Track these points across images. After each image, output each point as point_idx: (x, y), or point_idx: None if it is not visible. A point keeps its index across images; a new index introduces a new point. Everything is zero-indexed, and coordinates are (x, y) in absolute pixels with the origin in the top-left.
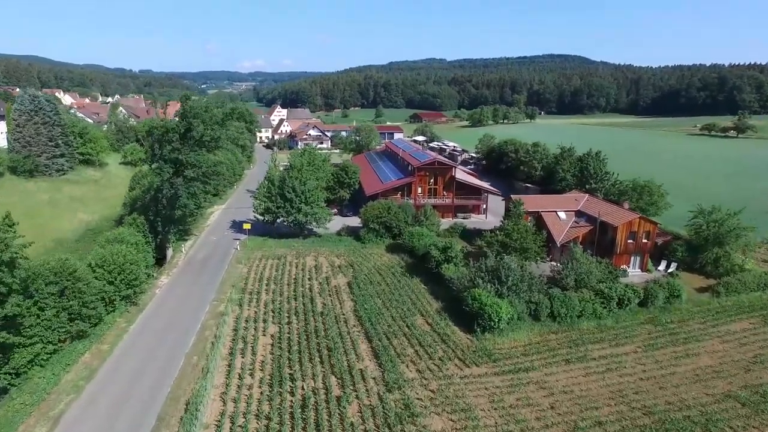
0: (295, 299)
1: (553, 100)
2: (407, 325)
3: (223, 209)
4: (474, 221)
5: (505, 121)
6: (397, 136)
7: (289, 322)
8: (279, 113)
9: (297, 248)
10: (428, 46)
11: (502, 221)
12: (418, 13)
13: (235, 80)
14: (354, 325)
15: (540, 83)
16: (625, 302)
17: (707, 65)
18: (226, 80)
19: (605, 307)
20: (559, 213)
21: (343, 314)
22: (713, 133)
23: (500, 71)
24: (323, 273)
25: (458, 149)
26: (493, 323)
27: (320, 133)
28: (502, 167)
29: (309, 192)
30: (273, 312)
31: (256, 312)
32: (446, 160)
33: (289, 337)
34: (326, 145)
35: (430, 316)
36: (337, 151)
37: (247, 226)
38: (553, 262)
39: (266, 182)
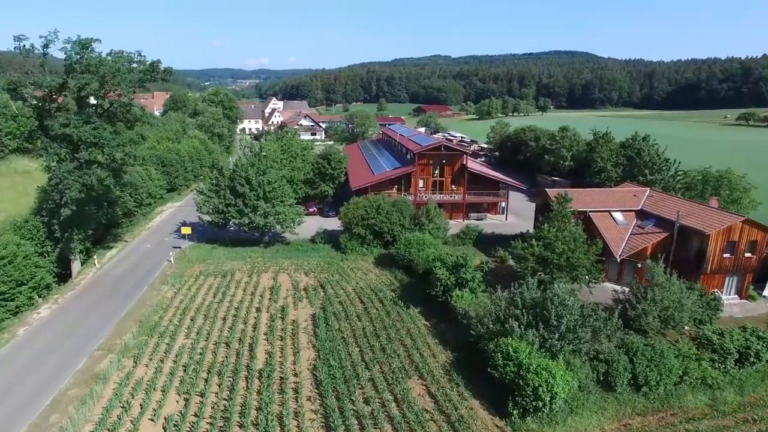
0: (227, 346)
1: (563, 94)
2: (396, 398)
3: (177, 207)
4: (491, 223)
5: (515, 113)
6: None
7: (202, 393)
8: (274, 105)
9: (253, 261)
10: (433, 44)
11: (537, 226)
12: (422, 9)
13: (239, 78)
14: (309, 398)
15: (549, 77)
16: (751, 359)
17: (722, 59)
18: (230, 78)
19: (717, 367)
20: (613, 214)
21: (295, 375)
22: (752, 123)
23: (507, 65)
24: (280, 300)
25: (466, 140)
26: (541, 402)
27: (313, 124)
28: (520, 158)
29: (270, 185)
30: (184, 371)
31: (155, 372)
32: (455, 145)
33: (193, 424)
34: (320, 136)
35: (433, 378)
36: (331, 142)
37: (186, 231)
38: (609, 284)
39: (214, 172)
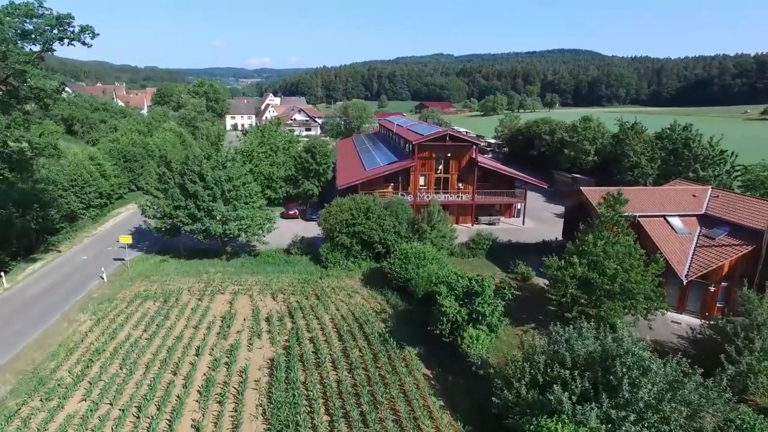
0: (139, 412)
1: (569, 91)
2: None
3: (135, 209)
4: (505, 228)
5: (521, 110)
6: None
7: None
8: (269, 100)
9: (210, 277)
10: (435, 43)
11: (577, 237)
12: (423, 9)
13: (240, 77)
14: None
15: (554, 73)
16: None
17: (731, 55)
18: (232, 77)
19: None
20: (670, 219)
21: None
22: None
23: (511, 62)
24: (231, 335)
25: (471, 135)
26: None
27: (308, 118)
28: (533, 153)
29: (230, 182)
30: None
31: None
32: (463, 135)
33: None
34: (315, 132)
35: None
36: (327, 138)
37: (125, 240)
38: (669, 313)
39: (162, 167)
